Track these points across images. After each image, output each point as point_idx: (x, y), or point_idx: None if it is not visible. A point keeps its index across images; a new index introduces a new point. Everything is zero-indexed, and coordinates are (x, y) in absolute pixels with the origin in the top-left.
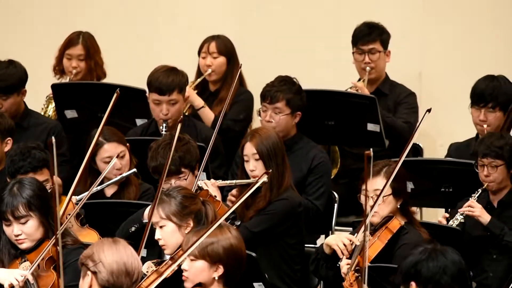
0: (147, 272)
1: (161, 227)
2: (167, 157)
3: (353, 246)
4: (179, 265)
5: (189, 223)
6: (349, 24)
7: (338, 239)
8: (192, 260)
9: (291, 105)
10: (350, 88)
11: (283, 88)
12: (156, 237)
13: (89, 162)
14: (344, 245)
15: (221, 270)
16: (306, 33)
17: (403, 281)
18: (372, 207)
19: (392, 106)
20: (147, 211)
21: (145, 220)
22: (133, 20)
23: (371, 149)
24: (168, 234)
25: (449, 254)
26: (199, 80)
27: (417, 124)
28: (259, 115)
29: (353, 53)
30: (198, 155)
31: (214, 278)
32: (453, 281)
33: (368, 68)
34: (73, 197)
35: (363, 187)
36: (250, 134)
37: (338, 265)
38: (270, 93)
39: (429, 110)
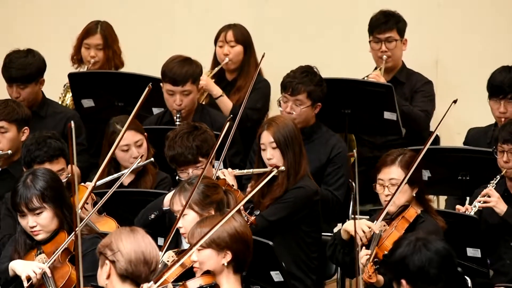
0: (168, 261)
1: (183, 215)
2: (188, 147)
3: (372, 233)
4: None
5: (211, 212)
6: (365, 12)
7: (357, 225)
8: (199, 250)
9: (312, 97)
10: (367, 76)
11: (304, 80)
12: (177, 225)
13: (106, 150)
14: (363, 232)
15: (229, 256)
16: (322, 21)
17: (394, 278)
18: (391, 198)
19: (408, 94)
20: (166, 198)
21: (165, 207)
22: (150, 8)
23: (354, 151)
24: (190, 222)
25: (432, 245)
26: (216, 69)
27: (443, 115)
28: (279, 105)
29: (369, 41)
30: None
31: (223, 264)
32: (441, 271)
33: (384, 56)
34: (87, 183)
35: (378, 176)
36: (267, 122)
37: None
38: (291, 85)
39: (455, 101)
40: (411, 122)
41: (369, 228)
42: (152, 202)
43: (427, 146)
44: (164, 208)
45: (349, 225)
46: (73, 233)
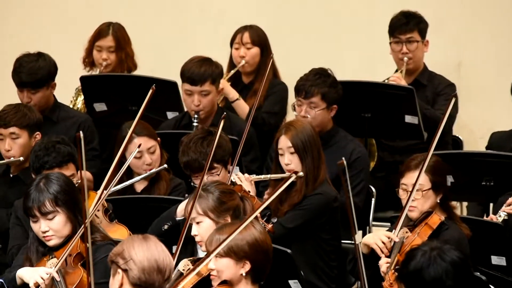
0: (183, 270)
1: (198, 223)
2: (207, 153)
3: (392, 243)
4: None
5: (227, 219)
6: (384, 13)
7: (376, 238)
8: (217, 258)
9: (326, 99)
10: (387, 79)
11: (317, 82)
12: (192, 233)
13: (120, 157)
14: (383, 243)
15: (248, 266)
16: (341, 22)
17: None
18: (407, 200)
19: (430, 97)
20: (179, 208)
21: (178, 217)
22: (163, 10)
23: (343, 158)
24: (205, 230)
25: (447, 255)
26: (232, 72)
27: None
28: (294, 109)
29: (390, 43)
30: (231, 149)
31: (241, 274)
32: (457, 283)
33: (405, 58)
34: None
35: (401, 181)
36: (285, 127)
37: (379, 263)
38: (304, 88)
39: (454, 96)
40: (433, 127)
41: (389, 238)
42: (166, 212)
43: (435, 143)
44: (177, 219)
45: (368, 238)
46: (78, 232)
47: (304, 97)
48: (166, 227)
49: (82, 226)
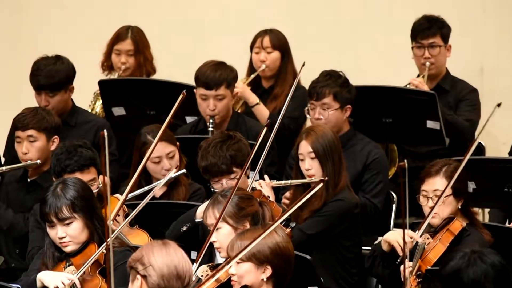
0: (202, 276)
1: (216, 229)
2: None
3: (414, 243)
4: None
5: (246, 225)
6: (407, 17)
7: (398, 236)
8: (238, 263)
9: (339, 99)
10: (409, 84)
11: (328, 83)
12: (211, 239)
13: (137, 161)
14: (405, 242)
15: (269, 271)
16: (362, 27)
17: None
18: (432, 208)
19: (453, 103)
20: (199, 210)
21: (198, 219)
22: (182, 13)
23: (405, 161)
24: (224, 236)
25: (488, 258)
26: (253, 76)
27: (486, 120)
28: (308, 113)
29: (412, 47)
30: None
31: (262, 279)
32: (496, 286)
33: (427, 63)
34: (117, 195)
35: (422, 187)
36: (305, 132)
37: (396, 263)
38: (315, 89)
39: (498, 105)
40: (455, 132)
41: (411, 238)
42: (184, 214)
43: (469, 154)
44: (196, 220)
45: (390, 235)
46: (104, 244)
47: (316, 99)
48: (185, 228)
49: (104, 244)
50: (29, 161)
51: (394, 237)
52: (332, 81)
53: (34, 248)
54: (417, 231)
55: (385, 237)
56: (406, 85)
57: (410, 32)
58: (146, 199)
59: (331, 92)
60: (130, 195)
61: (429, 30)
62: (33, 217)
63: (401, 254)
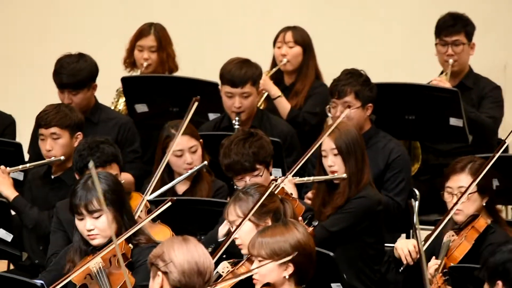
0: (222, 272)
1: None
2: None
3: (417, 254)
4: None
5: (267, 221)
6: (431, 14)
7: (404, 244)
8: (260, 261)
9: (360, 97)
10: (430, 81)
11: (350, 81)
12: (232, 236)
13: (160, 156)
14: (409, 251)
15: (291, 268)
16: (384, 24)
17: (488, 278)
18: (454, 205)
19: (476, 100)
20: (220, 231)
21: (220, 239)
22: (204, 10)
23: (412, 200)
24: (246, 233)
25: None
26: (274, 69)
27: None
28: (329, 111)
29: (436, 44)
30: (272, 150)
31: (284, 277)
32: None
33: (451, 60)
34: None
35: (447, 184)
36: (329, 128)
37: (400, 270)
38: (337, 88)
39: None
40: (478, 130)
41: (414, 247)
42: (207, 235)
43: (499, 153)
44: (219, 240)
45: (399, 243)
46: (124, 233)
47: (338, 97)
48: (209, 250)
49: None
50: (52, 158)
51: (401, 245)
52: (353, 80)
53: (53, 256)
54: (423, 242)
55: (396, 244)
56: (428, 82)
57: (434, 29)
58: (166, 187)
59: (353, 90)
60: (154, 195)
61: (454, 28)
62: (55, 216)
63: (404, 262)
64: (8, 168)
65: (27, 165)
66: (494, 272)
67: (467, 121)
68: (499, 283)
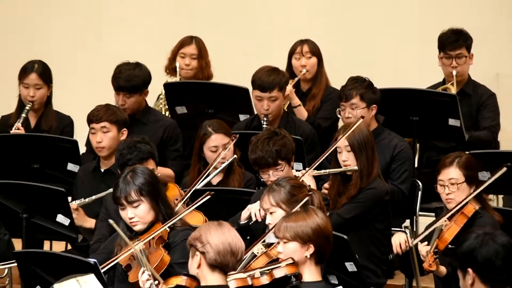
0: (257, 253)
1: (271, 213)
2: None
3: (407, 247)
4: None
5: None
6: (432, 30)
7: (397, 238)
8: (285, 242)
9: (365, 99)
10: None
11: (355, 86)
12: (267, 222)
13: (197, 150)
14: (400, 244)
15: (312, 249)
16: (391, 37)
17: (460, 267)
18: (447, 194)
19: (475, 106)
20: (243, 215)
21: (242, 222)
22: (234, 28)
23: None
24: (278, 219)
25: (498, 238)
26: (296, 79)
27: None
28: (339, 114)
29: (440, 58)
30: (294, 148)
31: (306, 256)
32: (506, 264)
33: (454, 72)
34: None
35: (439, 177)
36: (343, 128)
37: (389, 258)
38: (344, 92)
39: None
40: (479, 145)
41: (405, 241)
42: (231, 218)
43: (496, 176)
44: (241, 223)
45: (395, 236)
46: (167, 223)
47: (345, 100)
48: None
49: (166, 223)
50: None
51: (395, 238)
52: (358, 84)
53: (96, 244)
54: (413, 238)
55: (392, 237)
56: (436, 89)
57: (438, 44)
58: (207, 179)
59: (358, 93)
60: (201, 184)
61: (457, 43)
62: (103, 205)
63: (395, 252)
64: (75, 202)
65: (86, 199)
66: (463, 260)
67: (470, 141)
68: (470, 270)
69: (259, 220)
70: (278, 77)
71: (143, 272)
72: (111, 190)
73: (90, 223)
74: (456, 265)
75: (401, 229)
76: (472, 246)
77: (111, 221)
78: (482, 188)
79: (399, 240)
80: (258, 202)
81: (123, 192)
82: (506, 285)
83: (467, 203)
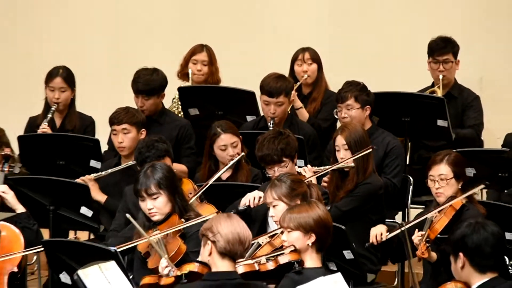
0: (262, 242)
1: (274, 206)
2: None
3: (385, 238)
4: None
5: (297, 202)
6: (424, 38)
7: (378, 229)
8: (289, 231)
9: (359, 100)
10: (426, 92)
11: (350, 88)
12: (270, 214)
13: (207, 149)
14: (377, 235)
15: (313, 238)
16: (384, 44)
17: (453, 251)
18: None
19: (460, 108)
20: (242, 201)
21: (240, 207)
22: (241, 37)
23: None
24: (280, 212)
25: (489, 227)
26: (298, 84)
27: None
28: (336, 115)
29: (429, 62)
30: (297, 146)
31: (308, 244)
32: (494, 250)
33: (441, 76)
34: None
35: (429, 173)
36: (341, 128)
37: (365, 246)
38: (340, 95)
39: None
40: (465, 143)
41: (381, 234)
42: (232, 204)
43: (474, 190)
44: (239, 208)
45: (377, 227)
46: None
47: (341, 102)
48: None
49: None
50: (130, 162)
51: (373, 229)
52: (353, 87)
53: (112, 232)
54: (405, 224)
55: (373, 228)
56: (424, 92)
57: (427, 50)
58: (217, 175)
59: (352, 95)
60: (212, 179)
61: (445, 49)
62: (123, 198)
63: (371, 241)
64: (92, 175)
65: (103, 172)
66: (456, 246)
67: (456, 139)
68: (461, 255)
69: (252, 206)
70: (284, 83)
71: (164, 259)
72: (124, 165)
73: (101, 197)
74: (449, 250)
75: (397, 222)
76: (464, 232)
77: (128, 215)
78: (469, 193)
79: (377, 231)
80: (255, 190)
81: (144, 185)
82: (493, 270)
83: (454, 198)
